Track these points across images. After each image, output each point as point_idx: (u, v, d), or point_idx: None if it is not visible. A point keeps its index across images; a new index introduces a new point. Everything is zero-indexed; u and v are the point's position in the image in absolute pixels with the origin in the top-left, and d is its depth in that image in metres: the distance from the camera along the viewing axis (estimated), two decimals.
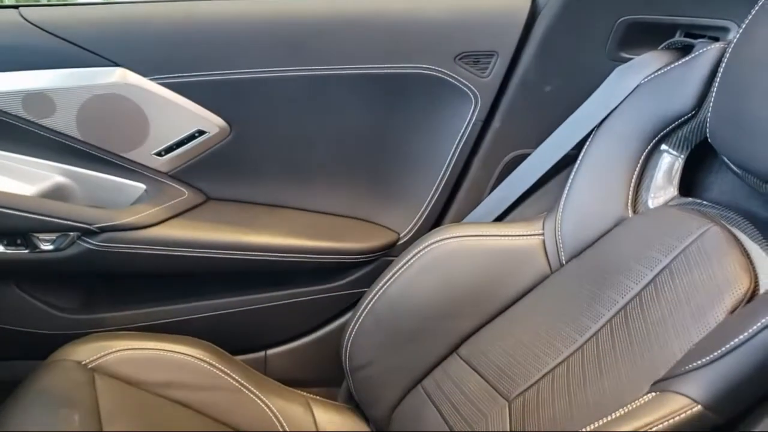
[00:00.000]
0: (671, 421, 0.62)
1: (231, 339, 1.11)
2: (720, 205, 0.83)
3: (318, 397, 1.12)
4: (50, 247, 1.02)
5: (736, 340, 0.61)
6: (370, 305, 1.01)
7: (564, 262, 0.91)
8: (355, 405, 1.10)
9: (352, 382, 1.06)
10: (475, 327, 0.96)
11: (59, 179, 1.04)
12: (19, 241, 1.02)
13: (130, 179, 1.07)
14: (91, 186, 1.06)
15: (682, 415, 0.62)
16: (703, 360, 0.63)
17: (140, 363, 1.00)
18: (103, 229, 1.01)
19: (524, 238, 0.95)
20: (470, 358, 0.94)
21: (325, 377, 1.18)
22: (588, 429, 0.63)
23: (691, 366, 0.64)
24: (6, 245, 1.02)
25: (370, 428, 1.08)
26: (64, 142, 1.02)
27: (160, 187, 1.08)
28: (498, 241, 0.95)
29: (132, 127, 1.03)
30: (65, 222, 0.99)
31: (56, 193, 1.04)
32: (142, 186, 1.07)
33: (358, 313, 1.01)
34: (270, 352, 1.19)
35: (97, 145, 1.03)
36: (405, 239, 1.13)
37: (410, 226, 1.13)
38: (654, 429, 0.62)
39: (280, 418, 1.05)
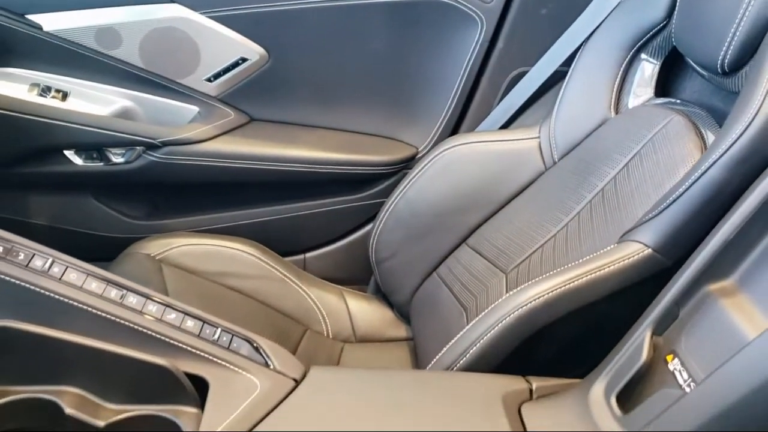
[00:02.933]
0: (625, 262, 0.78)
1: (275, 243, 1.28)
2: (690, 103, 0.97)
3: (351, 290, 1.30)
4: (121, 160, 1.21)
5: (678, 192, 0.75)
6: (392, 207, 1.17)
7: (556, 160, 1.06)
8: (381, 295, 1.27)
9: (377, 273, 1.23)
10: (481, 220, 1.12)
11: (126, 103, 1.22)
12: (95, 156, 1.21)
13: (185, 102, 1.24)
14: (152, 108, 1.24)
15: (635, 257, 0.77)
16: (654, 212, 0.78)
17: (199, 256, 1.18)
18: (165, 143, 1.19)
19: (523, 141, 1.10)
20: (476, 246, 1.10)
21: (356, 276, 1.35)
22: (554, 271, 0.79)
23: (645, 218, 0.79)
24: (84, 159, 1.21)
25: (394, 312, 1.25)
26: (129, 70, 1.20)
27: (210, 109, 1.25)
28: (500, 145, 1.10)
29: (186, 56, 1.20)
30: (133, 137, 1.18)
31: (124, 115, 1.22)
32: (195, 108, 1.25)
33: (382, 214, 1.18)
34: (308, 255, 1.37)
35: (157, 73, 1.21)
36: (423, 153, 1.29)
37: (427, 141, 1.28)
38: (609, 268, 0.77)
39: (318, 304, 1.23)
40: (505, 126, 1.19)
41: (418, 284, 1.19)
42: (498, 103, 1.21)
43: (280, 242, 1.31)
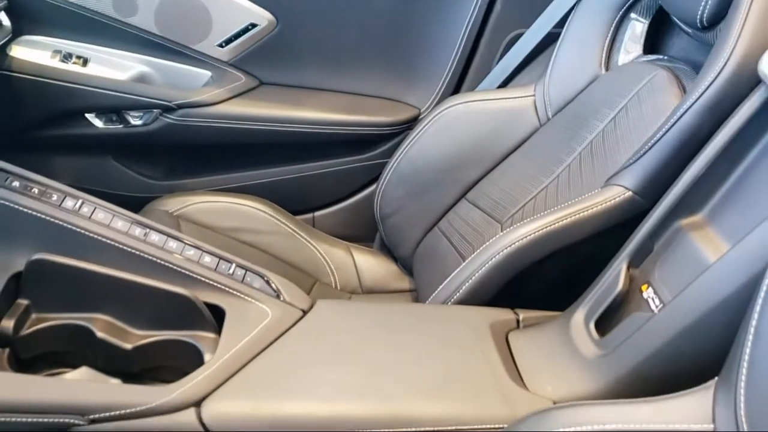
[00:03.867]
0: (607, 204, 0.84)
1: (285, 203, 1.35)
2: (676, 59, 1.02)
3: (358, 245, 1.37)
4: (139, 123, 1.27)
5: (655, 138, 0.81)
6: (395, 165, 1.23)
7: (550, 116, 1.11)
8: (386, 249, 1.34)
9: (382, 228, 1.29)
10: (479, 175, 1.18)
11: (143, 68, 1.29)
12: (114, 118, 1.28)
13: (198, 67, 1.30)
14: (167, 73, 1.30)
15: (617, 200, 0.83)
16: (634, 158, 0.84)
17: (214, 213, 1.25)
18: (180, 106, 1.25)
19: (519, 99, 1.15)
20: (474, 199, 1.17)
21: (362, 233, 1.42)
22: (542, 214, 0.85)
23: (626, 164, 0.85)
24: (104, 122, 1.28)
25: (398, 266, 1.32)
26: (145, 37, 1.26)
27: (222, 74, 1.31)
28: (497, 103, 1.16)
29: (198, 23, 1.25)
30: (150, 100, 1.25)
31: (141, 79, 1.29)
32: (207, 73, 1.31)
33: (386, 172, 1.24)
34: (317, 213, 1.44)
35: (172, 39, 1.27)
36: (425, 113, 1.35)
37: (429, 102, 1.34)
38: (592, 210, 0.83)
39: (327, 258, 1.30)
40: (503, 85, 1.24)
41: (420, 238, 1.25)
42: (496, 64, 1.27)
43: (291, 201, 1.38)
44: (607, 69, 1.08)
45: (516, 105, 1.15)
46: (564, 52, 1.12)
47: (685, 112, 0.77)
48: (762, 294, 0.52)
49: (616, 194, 0.83)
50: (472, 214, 1.15)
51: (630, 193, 0.83)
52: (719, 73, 0.75)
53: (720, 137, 0.71)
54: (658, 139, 0.80)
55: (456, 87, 1.32)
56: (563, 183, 1.00)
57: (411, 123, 1.34)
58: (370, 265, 1.32)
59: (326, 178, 1.40)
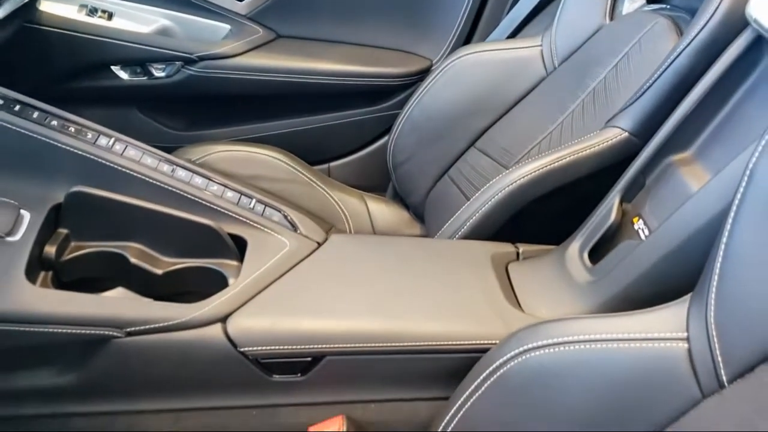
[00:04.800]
0: (604, 145, 0.88)
1: (302, 153, 1.40)
2: (678, 8, 1.05)
3: (371, 194, 1.42)
4: (162, 74, 1.33)
5: (650, 80, 0.85)
6: (407, 114, 1.28)
7: (556, 65, 1.15)
8: (399, 198, 1.40)
9: (395, 177, 1.35)
10: (488, 124, 1.22)
11: (164, 22, 1.34)
12: (138, 71, 1.34)
13: (217, 21, 1.35)
14: (188, 27, 1.35)
15: (613, 140, 0.88)
16: (631, 101, 0.88)
17: (234, 161, 1.31)
18: (201, 58, 1.31)
19: (527, 49, 1.19)
20: (483, 147, 1.21)
21: (376, 183, 1.48)
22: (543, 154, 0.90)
23: (623, 107, 0.89)
24: (129, 74, 1.34)
25: (410, 213, 1.38)
26: None
27: (240, 27, 1.36)
28: (506, 53, 1.20)
29: None
30: (172, 52, 1.30)
31: (163, 33, 1.34)
32: (227, 26, 1.36)
33: (399, 121, 1.29)
34: (332, 164, 1.50)
35: None
36: (436, 65, 1.39)
37: (440, 53, 1.38)
38: (590, 150, 0.88)
39: (341, 206, 1.36)
40: (512, 36, 1.28)
41: (431, 186, 1.30)
42: (505, 15, 1.30)
43: (307, 152, 1.43)
44: (611, 19, 1.11)
45: (524, 55, 1.19)
46: (570, 3, 1.15)
47: (679, 55, 0.82)
48: (732, 215, 0.58)
49: (613, 135, 0.88)
50: (481, 162, 1.20)
51: (626, 134, 0.87)
52: (711, 18, 0.79)
53: (708, 78, 0.75)
54: (653, 82, 0.85)
55: (467, 38, 1.36)
56: (566, 129, 1.04)
57: (423, 74, 1.39)
58: (383, 212, 1.38)
59: (341, 129, 1.45)
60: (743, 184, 0.57)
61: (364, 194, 1.41)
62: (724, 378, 0.57)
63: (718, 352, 0.57)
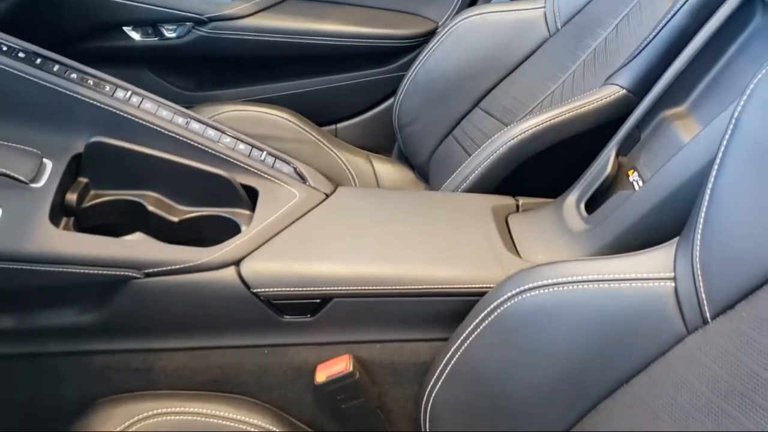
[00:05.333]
0: (602, 101, 0.91)
1: (309, 114, 1.44)
2: None
3: (377, 154, 1.46)
4: (173, 35, 1.36)
5: (648, 38, 0.88)
6: (413, 75, 1.31)
7: (559, 27, 1.18)
8: (404, 159, 1.43)
9: (400, 138, 1.38)
10: (492, 84, 1.25)
11: None
12: (150, 31, 1.36)
13: None
14: None
15: (612, 97, 0.91)
16: (629, 59, 0.91)
17: (243, 120, 1.34)
18: (211, 19, 1.34)
19: (530, 11, 1.21)
20: (487, 107, 1.24)
21: (381, 145, 1.51)
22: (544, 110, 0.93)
23: (622, 65, 0.92)
24: (141, 35, 1.37)
25: (415, 173, 1.41)
26: None
27: None
28: (509, 15, 1.22)
29: None
30: (183, 13, 1.33)
31: None
32: None
33: (404, 83, 1.32)
34: (339, 125, 1.53)
35: None
36: (441, 26, 1.41)
37: (446, 15, 1.40)
38: (588, 107, 0.91)
39: (348, 165, 1.39)
40: None
41: (435, 146, 1.34)
42: None
43: (314, 113, 1.46)
44: None
45: (527, 17, 1.21)
46: None
47: (675, 14, 0.84)
48: (718, 161, 0.61)
49: (611, 92, 0.91)
50: (485, 121, 1.23)
51: (624, 91, 0.90)
52: None
53: (702, 35, 0.78)
54: (650, 41, 0.87)
55: (472, 0, 1.38)
56: (567, 87, 1.07)
57: (428, 36, 1.41)
58: (389, 172, 1.41)
59: (347, 90, 1.48)
60: (729, 132, 0.60)
61: (370, 154, 1.44)
62: (708, 315, 0.61)
63: (702, 291, 0.61)
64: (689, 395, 0.59)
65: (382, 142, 1.51)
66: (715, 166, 0.61)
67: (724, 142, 0.60)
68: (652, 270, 0.65)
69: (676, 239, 0.66)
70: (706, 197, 0.62)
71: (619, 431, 0.64)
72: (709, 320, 0.61)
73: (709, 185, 0.61)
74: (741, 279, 0.59)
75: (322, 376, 0.78)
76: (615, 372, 0.66)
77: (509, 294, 0.69)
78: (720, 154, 0.60)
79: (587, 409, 0.68)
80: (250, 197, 0.85)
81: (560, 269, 0.68)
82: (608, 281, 0.65)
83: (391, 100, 1.49)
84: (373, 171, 1.41)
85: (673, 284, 0.63)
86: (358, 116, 1.52)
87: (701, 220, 0.62)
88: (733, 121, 0.60)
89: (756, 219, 0.58)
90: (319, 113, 1.49)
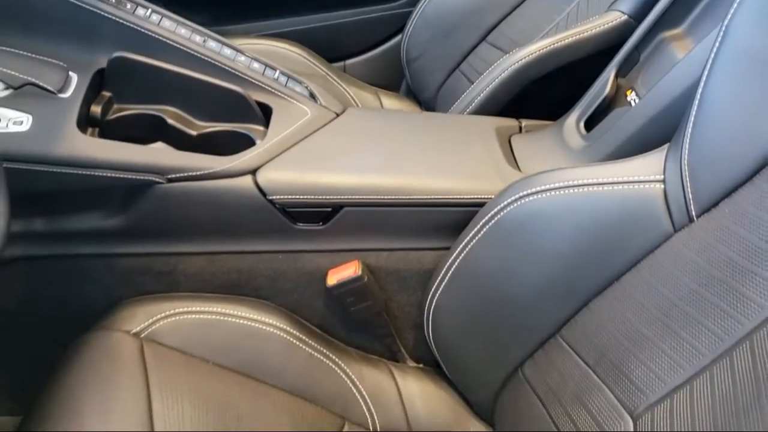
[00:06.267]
0: (605, 26, 0.94)
1: (319, 49, 1.47)
2: None
3: (385, 90, 1.49)
4: None
5: None
6: (420, 10, 1.35)
7: None
8: (411, 95, 1.47)
9: (408, 73, 1.41)
10: (499, 18, 1.27)
11: None
12: None
13: None
14: None
15: (614, 23, 0.94)
16: None
17: (255, 53, 1.38)
18: None
19: None
20: (494, 41, 1.27)
21: (389, 82, 1.54)
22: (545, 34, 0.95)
23: None
24: None
25: (422, 108, 1.45)
26: None
27: None
28: None
29: None
30: None
31: None
32: None
33: (413, 18, 1.35)
34: (348, 62, 1.56)
35: None
36: None
37: None
38: (591, 32, 0.93)
39: (356, 100, 1.42)
40: None
41: (442, 81, 1.37)
42: None
43: (324, 49, 1.49)
44: None
45: None
46: None
47: None
48: (708, 67, 0.65)
49: (613, 18, 0.94)
50: (492, 54, 1.25)
51: (626, 17, 0.93)
52: None
53: None
54: None
55: None
56: (572, 17, 1.10)
57: None
58: (396, 107, 1.45)
59: (356, 26, 1.51)
60: (718, 40, 0.64)
61: (379, 90, 1.47)
62: (694, 213, 0.65)
63: (689, 191, 0.66)
64: (674, 287, 0.64)
65: (390, 78, 1.54)
66: (705, 72, 0.65)
67: (714, 50, 0.64)
68: (643, 173, 0.69)
69: (666, 145, 0.70)
70: (696, 102, 0.65)
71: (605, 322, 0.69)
72: (695, 218, 0.65)
73: (699, 90, 0.65)
74: (725, 177, 0.63)
75: (332, 279, 0.84)
76: (606, 271, 0.71)
77: (509, 200, 0.74)
78: (710, 61, 0.64)
79: (580, 306, 0.73)
80: (264, 114, 0.89)
81: (557, 175, 0.72)
82: (602, 185, 0.70)
83: (399, 37, 1.52)
84: (381, 106, 1.45)
85: (662, 186, 0.68)
86: (366, 53, 1.55)
87: (690, 124, 0.66)
88: (723, 29, 0.63)
89: (740, 119, 0.62)
90: (328, 49, 1.52)
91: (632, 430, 0.62)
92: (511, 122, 0.94)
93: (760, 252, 0.58)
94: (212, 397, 0.76)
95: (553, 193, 0.71)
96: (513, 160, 0.86)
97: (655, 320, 0.64)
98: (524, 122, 0.95)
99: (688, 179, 0.66)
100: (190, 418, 0.73)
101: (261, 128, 0.88)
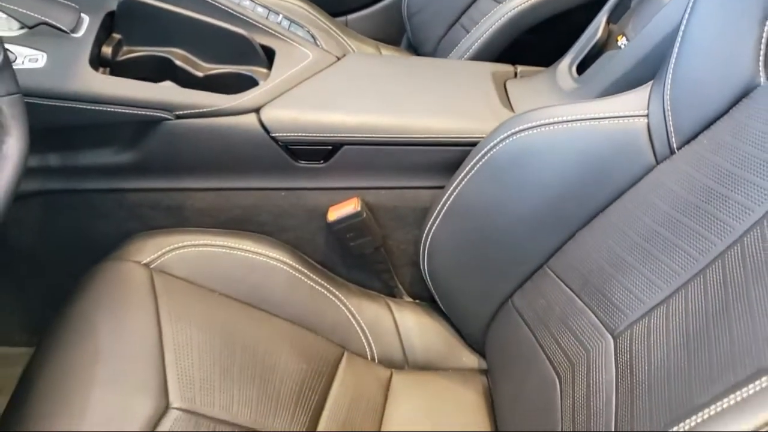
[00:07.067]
0: None
1: (322, 4, 1.48)
2: None
3: (385, 44, 1.51)
4: None
5: None
6: None
7: None
8: (412, 49, 1.49)
9: (409, 26, 1.44)
10: None
11: None
12: None
13: None
14: None
15: None
16: None
17: None
18: None
19: None
20: None
21: (390, 37, 1.56)
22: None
23: None
24: None
25: None
26: None
27: None
28: None
29: None
30: None
31: None
32: None
33: None
34: (350, 16, 1.58)
35: None
36: None
37: None
38: None
39: (353, 47, 1.45)
40: None
41: (443, 34, 1.38)
42: None
43: (326, 3, 1.51)
44: None
45: None
46: None
47: None
48: (691, 3, 0.68)
49: None
50: (491, 7, 1.27)
51: None
52: None
53: None
54: None
55: None
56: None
57: None
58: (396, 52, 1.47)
59: None
60: None
61: (380, 44, 1.50)
62: (675, 145, 0.69)
63: (671, 124, 0.69)
64: (654, 214, 0.68)
65: (392, 33, 1.56)
66: (688, 9, 0.68)
67: None
68: (627, 109, 0.73)
69: (651, 82, 0.73)
70: (678, 39, 0.69)
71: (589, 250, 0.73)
72: (676, 150, 0.69)
73: (682, 28, 0.68)
74: (705, 111, 0.67)
75: (333, 215, 0.88)
76: (592, 203, 0.75)
77: (500, 138, 0.77)
78: (691, 2, 0.67)
79: (567, 237, 0.77)
80: (267, 57, 0.92)
81: (546, 112, 0.76)
82: (589, 120, 0.73)
83: None
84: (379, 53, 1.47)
85: (646, 120, 0.71)
86: (368, 7, 1.57)
87: (673, 60, 0.69)
88: None
89: (719, 55, 0.65)
90: (331, 4, 1.53)
91: (612, 347, 0.66)
92: (506, 67, 0.97)
93: (734, 177, 0.61)
94: (219, 324, 0.81)
95: (542, 129, 0.75)
96: (507, 103, 0.89)
97: (636, 246, 0.68)
98: (519, 68, 0.98)
99: (670, 113, 0.69)
100: (198, 342, 0.78)
101: (264, 70, 0.92)
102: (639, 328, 0.64)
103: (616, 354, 0.65)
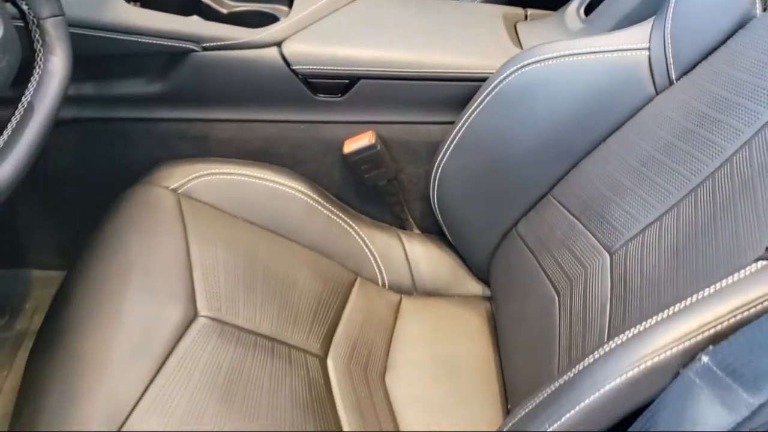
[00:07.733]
0: None
1: None
2: None
3: None
4: None
5: None
6: None
7: None
8: None
9: None
10: None
11: None
12: None
13: None
14: None
15: None
16: None
17: None
18: None
19: None
20: None
21: None
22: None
23: None
24: None
25: None
26: None
27: None
28: None
29: None
30: None
31: None
32: None
33: None
34: None
35: None
36: None
37: None
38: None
39: None
40: None
41: None
42: None
43: None
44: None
45: None
46: None
47: None
48: None
49: None
50: None
51: None
52: None
53: None
54: None
55: None
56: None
57: None
58: None
59: None
60: None
61: None
62: (674, 76, 0.73)
63: (670, 56, 0.73)
64: (652, 140, 0.72)
65: None
66: None
67: None
68: (630, 42, 0.77)
69: (653, 17, 0.77)
70: None
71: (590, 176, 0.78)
72: (675, 81, 0.74)
73: None
74: (703, 42, 0.71)
75: (349, 147, 0.93)
76: (595, 132, 0.79)
77: (509, 71, 0.82)
78: None
79: (570, 166, 0.82)
80: None
81: (553, 47, 0.80)
82: (593, 53, 0.78)
83: None
84: None
85: (647, 53, 0.76)
86: None
87: None
88: None
89: None
90: None
91: (609, 262, 0.71)
92: (517, 10, 1.01)
93: (727, 102, 0.66)
94: (242, 246, 0.86)
95: (549, 62, 0.79)
96: (518, 42, 0.93)
97: (633, 171, 0.73)
98: (529, 11, 1.02)
99: (670, 45, 0.73)
100: (224, 261, 0.83)
101: (285, 8, 0.96)
102: (633, 245, 0.69)
103: (611, 269, 0.71)
